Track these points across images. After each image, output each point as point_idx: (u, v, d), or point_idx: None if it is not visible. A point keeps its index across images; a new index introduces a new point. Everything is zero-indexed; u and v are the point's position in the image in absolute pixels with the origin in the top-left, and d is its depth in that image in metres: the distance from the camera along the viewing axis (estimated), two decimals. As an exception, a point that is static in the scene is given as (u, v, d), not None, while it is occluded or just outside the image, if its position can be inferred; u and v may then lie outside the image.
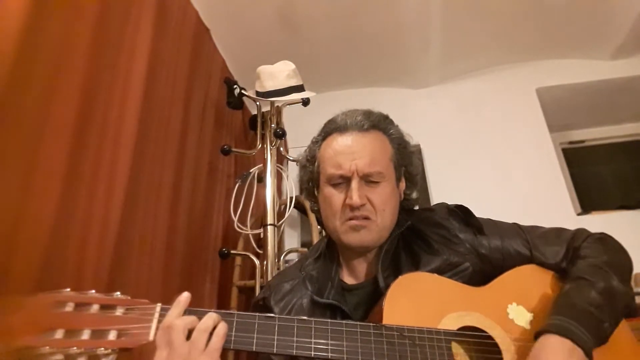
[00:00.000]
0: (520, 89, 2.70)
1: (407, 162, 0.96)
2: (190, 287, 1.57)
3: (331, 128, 0.94)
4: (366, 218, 0.87)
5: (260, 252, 1.83)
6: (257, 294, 1.50)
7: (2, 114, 0.84)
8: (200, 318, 0.68)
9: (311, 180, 0.98)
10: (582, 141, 2.98)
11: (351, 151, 0.88)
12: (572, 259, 0.87)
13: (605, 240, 0.90)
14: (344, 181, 0.88)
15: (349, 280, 0.94)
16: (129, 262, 1.19)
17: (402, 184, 0.97)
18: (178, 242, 1.52)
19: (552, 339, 0.72)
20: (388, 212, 0.89)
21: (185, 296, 0.70)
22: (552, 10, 2.29)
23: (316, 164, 0.95)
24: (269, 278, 1.67)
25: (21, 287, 0.83)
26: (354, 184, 0.86)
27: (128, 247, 1.19)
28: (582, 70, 2.67)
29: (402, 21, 2.26)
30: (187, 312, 0.69)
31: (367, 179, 0.87)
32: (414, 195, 0.99)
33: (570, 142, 2.98)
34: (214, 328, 0.68)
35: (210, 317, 0.68)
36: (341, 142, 0.90)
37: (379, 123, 0.93)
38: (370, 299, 0.87)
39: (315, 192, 0.97)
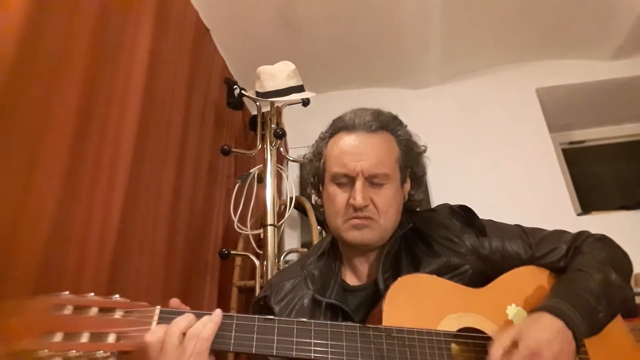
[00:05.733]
0: (520, 89, 2.69)
1: (413, 163, 0.96)
2: (190, 287, 1.58)
3: (339, 126, 0.93)
4: (369, 218, 0.86)
5: (260, 252, 1.83)
6: (257, 294, 1.50)
7: (2, 114, 0.84)
8: (198, 318, 0.67)
9: (317, 176, 0.97)
10: (582, 141, 2.98)
11: (357, 152, 0.88)
12: (572, 256, 0.88)
13: (605, 240, 0.91)
14: (348, 181, 0.88)
15: (351, 280, 0.94)
16: (129, 262, 1.19)
17: (407, 185, 0.97)
18: (178, 243, 1.52)
19: (543, 316, 0.73)
20: (391, 213, 0.88)
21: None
22: (552, 10, 2.29)
23: (322, 160, 0.94)
24: (269, 278, 1.67)
25: (21, 286, 0.83)
26: (358, 184, 0.85)
27: (128, 247, 1.19)
28: (582, 70, 2.66)
29: (402, 22, 2.26)
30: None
31: (372, 180, 0.87)
32: (418, 196, 0.99)
33: (570, 143, 2.98)
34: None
35: (202, 322, 0.67)
36: (348, 142, 0.90)
37: (387, 124, 0.92)
38: (371, 300, 0.87)
39: (320, 188, 0.97)
